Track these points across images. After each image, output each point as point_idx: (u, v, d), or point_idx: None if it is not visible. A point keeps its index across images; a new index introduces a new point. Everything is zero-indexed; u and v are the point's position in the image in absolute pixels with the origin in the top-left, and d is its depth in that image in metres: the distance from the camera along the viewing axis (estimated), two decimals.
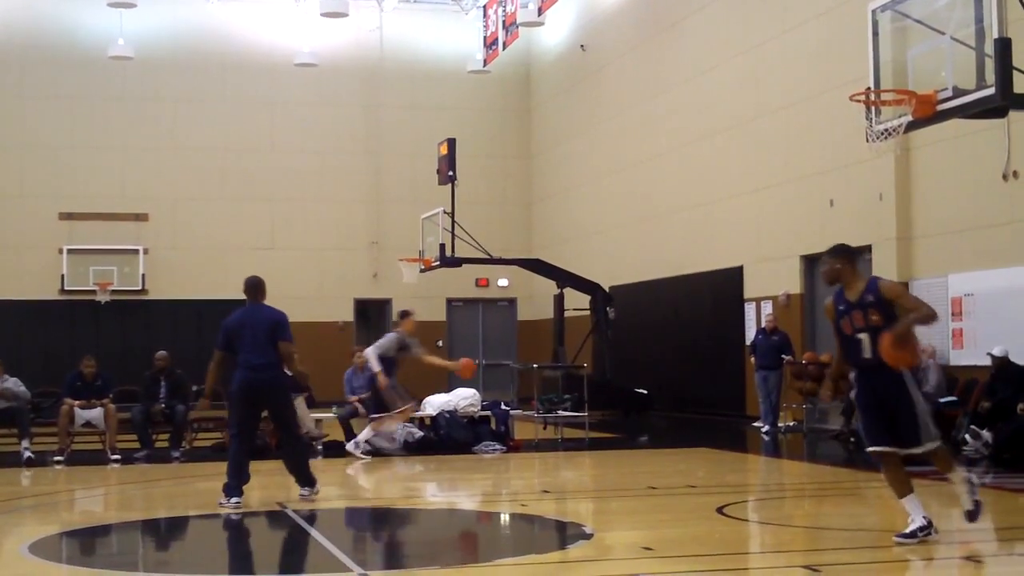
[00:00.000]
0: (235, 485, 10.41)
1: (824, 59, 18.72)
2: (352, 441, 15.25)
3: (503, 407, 17.06)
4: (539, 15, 25.68)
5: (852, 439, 16.23)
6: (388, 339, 15.23)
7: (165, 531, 10.08)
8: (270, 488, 10.93)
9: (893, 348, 7.82)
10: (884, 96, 11.62)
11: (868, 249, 17.77)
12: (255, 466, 11.06)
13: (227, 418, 11.26)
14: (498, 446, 15.90)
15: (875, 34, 11.80)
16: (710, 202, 22.16)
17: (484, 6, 28.50)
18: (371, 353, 15.02)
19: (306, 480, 10.77)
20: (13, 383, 15.40)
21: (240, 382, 10.60)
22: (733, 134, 21.43)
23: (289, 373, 11.20)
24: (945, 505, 10.85)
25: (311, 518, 10.00)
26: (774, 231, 20.07)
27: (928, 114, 11.12)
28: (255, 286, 10.92)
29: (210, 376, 10.97)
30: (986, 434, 14.00)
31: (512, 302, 30.72)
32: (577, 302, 23.06)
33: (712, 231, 22.08)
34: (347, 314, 29.42)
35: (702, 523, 9.30)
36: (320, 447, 15.78)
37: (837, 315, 8.22)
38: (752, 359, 18.78)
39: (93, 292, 27.24)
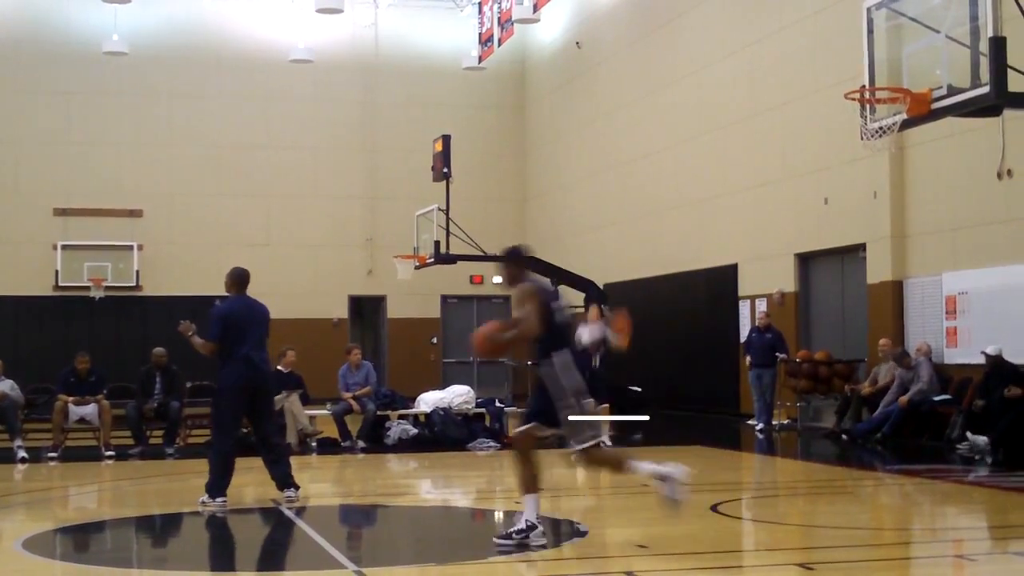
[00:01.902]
0: (224, 484, 10.31)
1: (819, 57, 18.73)
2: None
3: (497, 404, 17.09)
4: (534, 12, 25.66)
5: (844, 436, 16.29)
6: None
7: (159, 527, 10.06)
8: (264, 485, 10.91)
9: (481, 342, 8.22)
10: (879, 94, 11.62)
11: (863, 247, 17.81)
12: (250, 463, 11.06)
13: (214, 415, 10.84)
14: (492, 443, 15.92)
15: (870, 32, 11.80)
16: (705, 199, 22.16)
17: (479, 3, 28.48)
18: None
19: (291, 482, 10.55)
20: (9, 386, 15.39)
21: (243, 377, 10.32)
22: (728, 132, 21.43)
23: None
24: (938, 504, 10.89)
25: (305, 515, 10.00)
26: (769, 229, 20.08)
27: (923, 112, 11.12)
28: (245, 277, 10.75)
29: (203, 349, 10.49)
30: (982, 439, 13.95)
31: (507, 299, 30.64)
32: (572, 299, 23.05)
33: (707, 229, 22.09)
34: (342, 310, 29.41)
35: (696, 521, 9.29)
36: (314, 444, 15.79)
37: None
38: (747, 358, 18.77)
39: (87, 288, 27.19)
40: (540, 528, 7.92)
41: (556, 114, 29.01)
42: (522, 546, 7.80)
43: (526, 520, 7.90)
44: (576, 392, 7.97)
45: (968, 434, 14.19)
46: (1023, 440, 13.66)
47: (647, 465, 8.00)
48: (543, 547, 7.83)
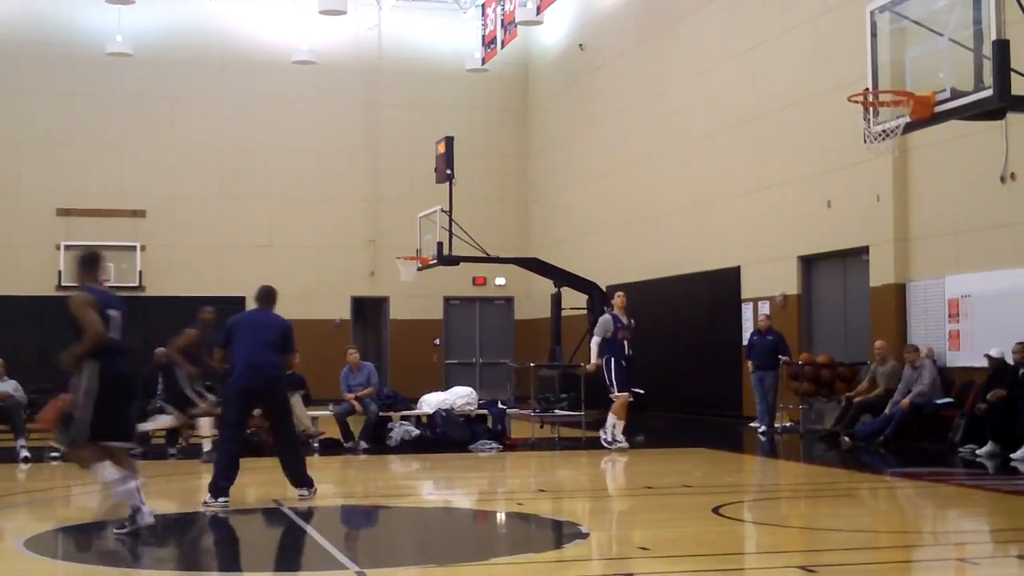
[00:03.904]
0: (226, 485, 10.36)
1: (822, 60, 18.73)
2: (605, 440, 15.55)
3: (500, 406, 17.08)
4: (537, 14, 25.68)
5: (846, 439, 16.27)
6: (602, 321, 16.09)
7: (161, 528, 10.05)
8: (266, 485, 10.92)
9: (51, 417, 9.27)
10: (882, 97, 11.62)
11: (866, 250, 17.80)
12: (251, 463, 11.07)
13: (220, 416, 11.10)
14: (494, 445, 15.92)
15: (873, 35, 11.81)
16: (708, 202, 22.16)
17: (483, 5, 28.51)
18: (593, 343, 15.89)
19: (303, 481, 10.72)
20: (12, 386, 15.40)
21: (243, 379, 10.51)
22: (731, 135, 21.43)
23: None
24: (941, 507, 10.89)
25: (307, 516, 10.00)
26: (772, 232, 20.08)
27: (926, 115, 11.13)
28: (269, 296, 11.10)
29: (215, 364, 11.08)
30: (991, 447, 13.94)
31: (509, 301, 30.72)
32: (574, 301, 23.06)
33: (710, 231, 22.09)
34: (344, 312, 29.42)
35: (698, 523, 9.30)
36: (316, 444, 15.79)
37: None
38: (749, 362, 18.75)
39: None
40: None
41: (559, 116, 29.02)
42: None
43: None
44: (88, 395, 8.95)
45: (977, 451, 14.13)
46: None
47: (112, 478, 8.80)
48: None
